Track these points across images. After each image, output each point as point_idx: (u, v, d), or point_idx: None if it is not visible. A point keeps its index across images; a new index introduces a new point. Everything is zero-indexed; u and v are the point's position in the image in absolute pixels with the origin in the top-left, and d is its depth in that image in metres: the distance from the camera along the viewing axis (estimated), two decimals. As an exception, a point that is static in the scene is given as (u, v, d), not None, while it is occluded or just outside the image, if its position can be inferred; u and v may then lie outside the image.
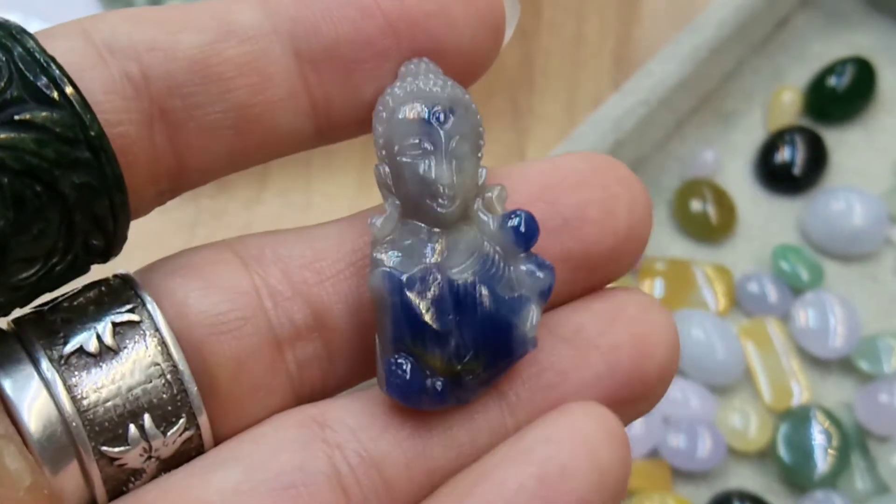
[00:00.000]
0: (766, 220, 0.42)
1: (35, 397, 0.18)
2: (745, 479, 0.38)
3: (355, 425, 0.20)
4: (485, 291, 0.20)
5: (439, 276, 0.20)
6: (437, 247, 0.20)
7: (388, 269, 0.20)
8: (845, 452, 0.37)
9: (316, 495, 0.19)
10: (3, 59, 0.18)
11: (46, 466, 0.18)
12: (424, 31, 0.20)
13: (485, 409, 0.20)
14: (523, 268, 0.20)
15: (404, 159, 0.20)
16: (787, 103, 0.44)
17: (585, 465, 0.18)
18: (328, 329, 0.20)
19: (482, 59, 0.21)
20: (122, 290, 0.20)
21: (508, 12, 0.21)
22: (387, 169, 0.20)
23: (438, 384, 0.20)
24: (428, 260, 0.20)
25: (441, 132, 0.20)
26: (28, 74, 0.18)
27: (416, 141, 0.20)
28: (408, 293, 0.19)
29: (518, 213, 0.20)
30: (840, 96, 0.44)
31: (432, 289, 0.20)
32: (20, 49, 0.18)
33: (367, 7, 0.20)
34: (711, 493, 0.37)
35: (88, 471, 0.19)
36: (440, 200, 0.20)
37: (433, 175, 0.20)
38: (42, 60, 0.18)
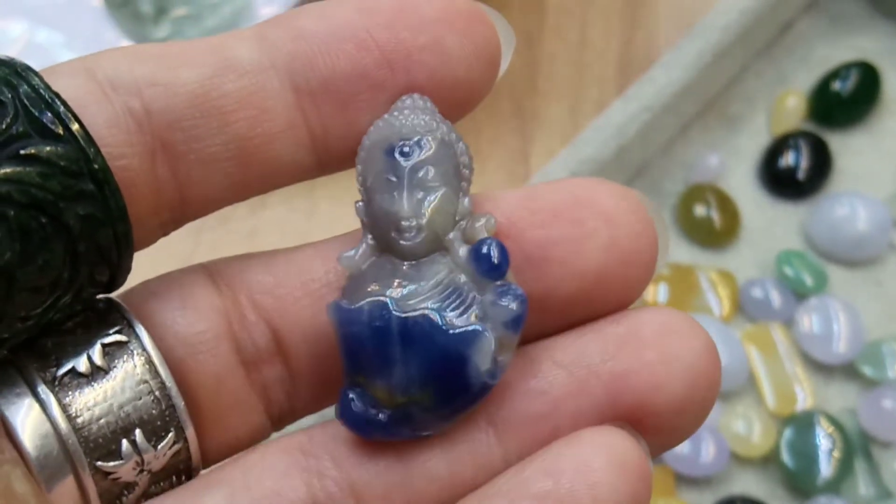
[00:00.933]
0: (770, 225, 0.42)
1: (32, 418, 0.19)
2: (748, 484, 0.38)
3: (338, 454, 0.20)
4: (434, 323, 0.19)
5: (388, 309, 0.19)
6: (401, 279, 0.20)
7: (337, 302, 0.20)
8: (849, 458, 0.37)
9: None
10: (10, 95, 0.18)
11: (44, 484, 0.19)
12: (419, 63, 0.20)
13: (468, 438, 0.20)
14: (490, 297, 0.20)
15: (374, 195, 0.20)
16: (792, 108, 0.44)
17: (584, 500, 0.18)
18: (287, 354, 0.21)
19: (477, 90, 0.21)
20: (109, 313, 0.20)
21: (504, 44, 0.21)
22: (362, 203, 0.20)
23: (381, 416, 0.20)
24: (384, 293, 0.20)
25: (405, 165, 0.20)
26: (33, 110, 0.18)
27: (384, 176, 0.20)
28: (352, 325, 0.20)
29: (487, 241, 0.20)
30: (844, 101, 0.44)
31: (377, 322, 0.19)
32: (25, 86, 0.18)
33: (362, 40, 0.20)
34: (715, 498, 0.37)
35: (85, 486, 0.19)
36: (404, 234, 0.20)
37: (394, 208, 0.20)
38: (47, 97, 0.18)
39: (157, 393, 0.20)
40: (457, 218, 0.20)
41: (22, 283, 0.18)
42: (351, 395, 0.20)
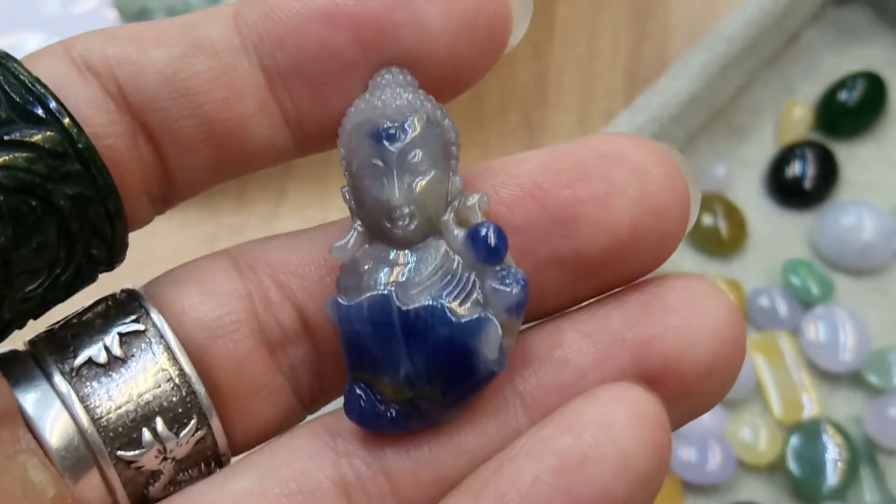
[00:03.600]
0: (776, 234, 0.43)
1: (51, 410, 0.19)
2: (755, 492, 0.38)
3: (364, 434, 0.20)
4: (438, 315, 0.19)
5: (389, 303, 0.19)
6: (397, 269, 0.19)
7: (335, 298, 0.19)
8: (855, 466, 0.38)
9: (320, 501, 0.19)
10: None
11: (68, 476, 0.19)
12: (393, 41, 0.19)
13: (496, 412, 0.20)
14: (490, 283, 0.19)
15: (362, 181, 0.19)
16: (798, 118, 0.44)
17: (608, 452, 0.18)
18: (314, 333, 0.21)
19: (468, 69, 0.20)
20: (128, 303, 0.21)
21: (518, 14, 0.20)
22: (349, 189, 0.20)
23: (392, 412, 0.19)
24: (381, 285, 0.19)
25: (392, 149, 0.19)
26: (14, 96, 0.19)
27: (371, 161, 0.19)
28: (354, 322, 0.19)
29: (484, 225, 0.19)
30: (851, 111, 0.44)
31: (379, 316, 0.19)
32: (5, 73, 0.19)
33: (333, 18, 0.19)
34: (722, 505, 0.38)
35: (108, 476, 0.20)
36: (397, 222, 0.19)
37: (385, 196, 0.19)
38: (27, 81, 0.19)
39: (176, 380, 0.20)
40: (448, 199, 0.19)
41: (19, 266, 0.18)
42: (358, 392, 0.19)
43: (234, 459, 0.21)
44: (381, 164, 0.19)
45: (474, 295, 0.19)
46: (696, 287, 0.19)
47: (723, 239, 0.42)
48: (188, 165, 0.20)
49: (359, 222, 0.20)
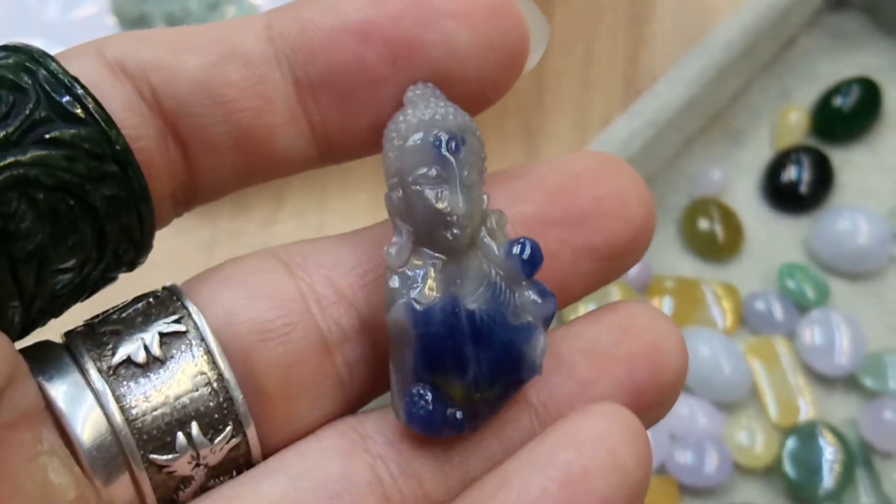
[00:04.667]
0: (772, 238, 0.43)
1: (85, 408, 0.19)
2: (751, 494, 0.38)
3: (393, 437, 0.20)
4: (498, 320, 0.20)
5: (458, 307, 0.20)
6: (450, 276, 0.20)
7: (408, 301, 0.20)
8: (850, 468, 0.38)
9: (359, 503, 0.19)
10: (29, 81, 0.18)
11: (98, 477, 0.19)
12: (424, 59, 0.20)
13: (516, 419, 0.21)
14: (527, 294, 0.20)
15: (417, 188, 0.20)
16: (794, 123, 0.44)
17: (607, 466, 0.19)
18: (374, 331, 0.21)
19: (491, 87, 0.21)
20: (169, 302, 0.20)
21: (535, 37, 0.21)
22: (399, 196, 0.20)
23: (458, 414, 0.20)
24: (444, 290, 0.20)
25: (454, 162, 0.20)
26: (54, 95, 0.18)
27: (430, 170, 0.20)
28: (430, 325, 0.20)
29: (522, 240, 0.20)
30: (846, 116, 0.44)
31: (451, 320, 0.20)
32: (44, 71, 0.19)
33: (366, 34, 0.20)
34: (718, 508, 0.38)
35: (138, 479, 0.19)
36: (454, 231, 0.20)
37: (447, 205, 0.20)
38: (66, 81, 0.19)
39: (214, 385, 0.20)
40: (483, 213, 0.21)
41: (53, 264, 0.18)
42: (424, 395, 0.20)
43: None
44: (443, 174, 0.20)
45: (512, 304, 0.20)
46: (653, 311, 0.22)
47: (719, 243, 0.42)
48: (214, 170, 0.20)
49: (408, 228, 0.20)
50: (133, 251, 0.20)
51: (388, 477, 0.20)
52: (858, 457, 0.38)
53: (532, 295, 0.20)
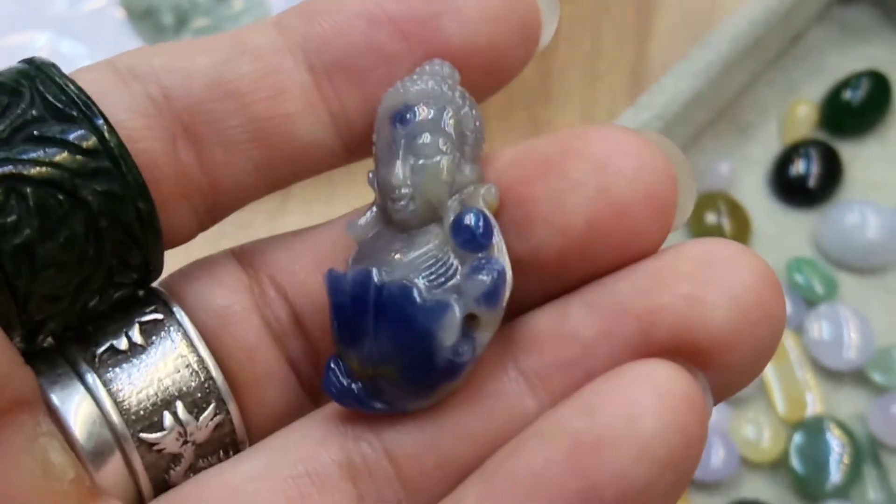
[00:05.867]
0: (780, 232, 0.43)
1: (75, 398, 0.20)
2: (758, 489, 0.38)
3: (374, 419, 0.20)
4: (406, 294, 0.19)
5: (368, 279, 0.19)
6: (395, 249, 0.19)
7: (331, 270, 0.20)
8: (858, 463, 0.38)
9: (326, 483, 0.20)
10: (27, 84, 0.19)
11: (91, 463, 0.20)
12: (434, 31, 0.20)
13: (498, 390, 0.19)
14: (465, 271, 0.19)
15: (378, 164, 0.20)
16: (803, 116, 0.44)
17: (624, 435, 0.17)
18: (307, 328, 0.21)
19: (508, 57, 0.20)
20: (147, 297, 0.21)
21: (546, 13, 0.21)
22: (373, 174, 0.20)
23: (355, 387, 0.19)
24: (377, 263, 0.19)
25: (401, 130, 0.19)
26: (47, 95, 0.19)
27: (383, 144, 0.20)
28: (338, 294, 0.19)
29: (468, 211, 0.19)
30: (855, 110, 0.44)
31: (359, 290, 0.19)
32: (43, 76, 0.19)
33: (373, 14, 0.20)
34: (725, 502, 0.38)
35: (130, 459, 0.20)
36: (397, 203, 0.19)
37: (386, 175, 0.19)
38: (61, 83, 0.19)
39: (195, 366, 0.21)
40: (456, 186, 0.19)
41: (45, 260, 0.19)
42: (332, 365, 0.20)
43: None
44: (392, 145, 0.19)
45: (452, 281, 0.19)
46: (716, 252, 0.18)
47: (726, 237, 0.42)
48: (235, 168, 0.21)
49: (376, 205, 0.20)
50: (140, 255, 0.20)
51: (358, 458, 0.20)
52: (866, 452, 0.38)
53: (468, 271, 0.19)
